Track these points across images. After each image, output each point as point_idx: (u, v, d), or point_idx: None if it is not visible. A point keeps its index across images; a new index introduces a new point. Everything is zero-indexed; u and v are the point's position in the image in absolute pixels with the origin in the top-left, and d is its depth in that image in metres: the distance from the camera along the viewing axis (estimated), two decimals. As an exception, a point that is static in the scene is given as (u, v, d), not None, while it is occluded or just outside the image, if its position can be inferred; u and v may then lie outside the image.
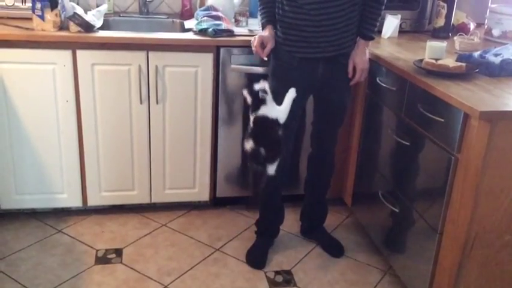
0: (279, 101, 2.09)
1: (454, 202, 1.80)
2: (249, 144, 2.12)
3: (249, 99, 2.10)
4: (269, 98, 2.07)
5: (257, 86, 2.08)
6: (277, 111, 2.09)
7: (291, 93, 2.09)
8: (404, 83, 2.09)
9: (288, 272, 2.31)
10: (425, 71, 1.98)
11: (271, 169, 2.11)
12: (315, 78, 2.17)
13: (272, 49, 2.18)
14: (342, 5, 2.03)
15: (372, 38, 2.19)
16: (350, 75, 2.20)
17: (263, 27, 2.22)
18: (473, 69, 1.99)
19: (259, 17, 2.32)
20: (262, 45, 2.18)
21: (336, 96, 2.26)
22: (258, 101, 2.07)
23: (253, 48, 2.22)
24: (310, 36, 2.08)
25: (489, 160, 1.67)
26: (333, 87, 2.22)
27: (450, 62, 2.00)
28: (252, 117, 2.11)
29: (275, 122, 2.08)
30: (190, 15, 2.84)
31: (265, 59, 2.22)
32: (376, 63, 2.34)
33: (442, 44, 2.19)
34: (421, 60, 2.05)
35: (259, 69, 2.49)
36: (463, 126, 1.72)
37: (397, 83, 2.16)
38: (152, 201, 2.68)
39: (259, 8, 2.25)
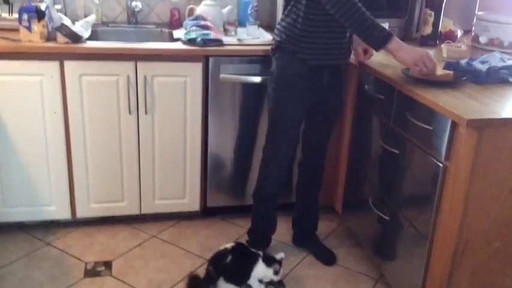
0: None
1: (444, 209, 1.80)
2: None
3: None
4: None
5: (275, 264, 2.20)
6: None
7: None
8: (392, 91, 2.09)
9: (280, 282, 2.29)
10: (413, 79, 1.99)
11: (223, 285, 2.16)
12: (319, 85, 2.18)
13: (277, 57, 2.17)
14: None
15: (380, 46, 1.99)
16: (361, 58, 2.21)
17: (391, 37, 1.96)
18: (461, 77, 2.00)
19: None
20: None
21: (333, 102, 2.30)
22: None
23: (425, 68, 1.94)
24: (328, 43, 2.08)
25: (477, 167, 1.67)
26: (333, 95, 2.26)
27: (438, 70, 2.01)
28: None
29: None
30: (179, 25, 2.84)
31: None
32: (364, 72, 2.35)
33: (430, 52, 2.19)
34: (408, 69, 2.05)
35: (248, 79, 2.49)
36: (451, 134, 1.73)
37: (386, 91, 2.16)
38: (142, 212, 2.66)
39: (367, 19, 1.95)
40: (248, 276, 2.19)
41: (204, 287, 2.17)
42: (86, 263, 2.35)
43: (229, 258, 2.15)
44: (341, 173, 2.69)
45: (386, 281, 2.26)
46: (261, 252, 2.23)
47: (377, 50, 2.02)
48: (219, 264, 2.16)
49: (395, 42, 1.96)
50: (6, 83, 2.30)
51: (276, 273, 2.19)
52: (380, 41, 1.95)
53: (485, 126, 1.63)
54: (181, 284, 2.25)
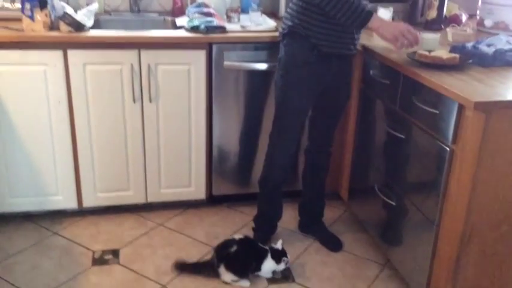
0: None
1: (451, 193, 1.79)
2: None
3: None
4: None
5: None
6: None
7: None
8: (398, 76, 2.08)
9: (287, 268, 2.30)
10: (419, 63, 1.97)
11: (224, 275, 2.17)
12: (328, 74, 2.17)
13: (285, 43, 2.15)
14: None
15: (361, 26, 2.02)
16: (398, 46, 2.04)
17: (370, 16, 1.96)
18: (467, 60, 1.98)
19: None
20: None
21: (341, 92, 2.30)
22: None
23: (406, 40, 1.97)
24: (344, 31, 2.07)
25: (485, 150, 1.67)
26: (341, 84, 2.25)
27: (444, 53, 1.99)
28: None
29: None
30: (181, 13, 2.82)
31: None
32: (369, 57, 2.34)
33: (435, 36, 2.18)
34: (414, 53, 2.04)
35: (252, 66, 2.48)
36: (457, 117, 1.72)
37: (391, 76, 2.15)
38: (148, 201, 2.67)
39: (346, 1, 1.94)
40: (248, 270, 2.19)
41: (197, 270, 2.22)
42: (93, 252, 2.36)
43: (234, 248, 2.15)
44: (346, 159, 2.69)
45: (393, 266, 2.26)
46: (268, 247, 2.23)
47: (359, 29, 2.07)
48: (223, 252, 2.17)
49: (376, 20, 1.99)
50: (10, 73, 2.29)
51: (286, 264, 2.22)
52: (361, 20, 1.97)
53: (492, 109, 1.62)
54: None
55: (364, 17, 1.96)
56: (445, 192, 1.82)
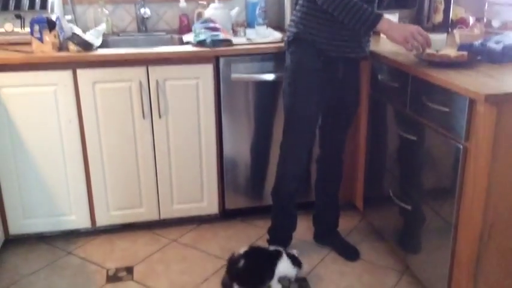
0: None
1: (467, 192, 1.75)
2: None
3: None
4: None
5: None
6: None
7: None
8: (406, 78, 2.06)
9: (303, 279, 2.25)
10: (427, 62, 1.96)
11: None
12: (335, 81, 2.16)
13: (291, 51, 2.14)
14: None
15: (370, 29, 2.01)
16: (408, 48, 2.00)
17: (379, 18, 1.95)
18: (475, 57, 1.96)
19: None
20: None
21: (350, 97, 2.28)
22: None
23: (416, 42, 1.94)
24: (346, 34, 2.06)
25: (499, 145, 1.63)
26: (349, 89, 2.24)
27: (451, 52, 1.98)
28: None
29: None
30: (188, 30, 2.85)
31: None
32: (377, 62, 2.32)
33: (442, 36, 2.17)
34: (421, 53, 2.02)
35: (260, 77, 2.49)
36: (469, 113, 1.69)
37: (400, 78, 2.13)
38: (161, 218, 2.65)
39: (354, 4, 1.93)
40: (264, 280, 2.14)
41: None
42: (107, 270, 2.34)
43: (241, 262, 2.09)
44: (359, 168, 2.65)
45: (412, 273, 2.21)
46: (281, 248, 2.19)
47: (368, 33, 2.04)
48: (232, 270, 2.12)
49: (385, 22, 1.96)
50: (22, 94, 2.32)
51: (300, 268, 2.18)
52: (370, 23, 1.95)
53: (504, 102, 1.59)
54: (203, 286, 2.22)
55: (373, 20, 1.95)
56: (461, 191, 1.78)
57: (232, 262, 2.14)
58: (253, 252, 2.17)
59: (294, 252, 2.20)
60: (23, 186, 2.44)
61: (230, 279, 2.12)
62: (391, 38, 1.99)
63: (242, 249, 2.16)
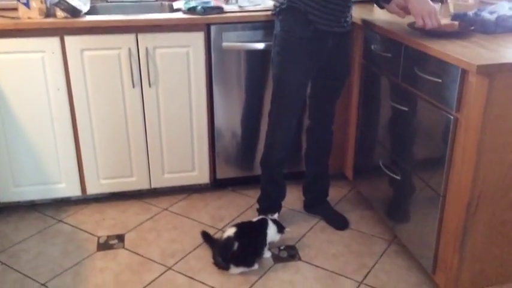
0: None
1: (456, 162, 1.76)
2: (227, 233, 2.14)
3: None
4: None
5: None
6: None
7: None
8: (399, 48, 2.04)
9: (293, 247, 2.28)
10: (419, 31, 1.94)
11: (234, 270, 2.11)
12: (324, 51, 2.15)
13: (281, 19, 2.12)
14: None
15: None
16: (402, 15, 2.09)
17: None
18: (468, 27, 1.94)
19: None
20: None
21: (339, 68, 2.28)
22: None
23: (429, 22, 1.93)
24: (336, 9, 2.06)
25: (489, 116, 1.63)
26: (338, 60, 2.24)
27: (443, 21, 1.95)
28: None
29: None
30: (179, -3, 2.79)
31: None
32: (370, 31, 2.30)
33: (435, 5, 2.13)
34: (414, 23, 2.00)
35: (252, 46, 2.45)
36: (461, 84, 1.68)
37: (392, 48, 2.11)
38: (152, 187, 2.65)
39: None
40: (258, 256, 2.17)
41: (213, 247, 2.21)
42: (98, 237, 2.35)
43: (236, 245, 2.09)
44: (350, 138, 2.66)
45: (400, 242, 2.24)
46: (265, 217, 2.22)
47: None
48: (226, 254, 2.11)
49: None
50: (9, 61, 2.28)
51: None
52: None
53: (496, 73, 1.58)
54: (194, 253, 2.25)
55: None
56: (450, 161, 1.79)
57: (225, 246, 2.11)
58: (243, 231, 2.14)
59: (275, 216, 2.23)
60: (12, 155, 2.42)
61: (226, 262, 2.11)
62: (411, 6, 1.97)
63: (230, 231, 2.13)
